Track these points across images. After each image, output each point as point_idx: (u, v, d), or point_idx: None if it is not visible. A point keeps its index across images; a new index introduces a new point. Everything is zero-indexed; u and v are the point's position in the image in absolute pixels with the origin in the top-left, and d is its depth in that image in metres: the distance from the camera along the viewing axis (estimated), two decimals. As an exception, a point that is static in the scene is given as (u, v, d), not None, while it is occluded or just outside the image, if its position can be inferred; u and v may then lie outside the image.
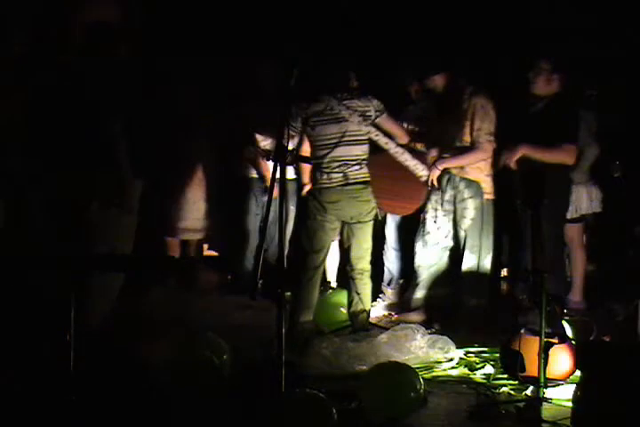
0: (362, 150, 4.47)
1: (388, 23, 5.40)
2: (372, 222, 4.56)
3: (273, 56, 5.20)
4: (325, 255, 4.56)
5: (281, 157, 3.18)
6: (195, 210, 5.42)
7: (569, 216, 4.73)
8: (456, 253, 4.83)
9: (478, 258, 4.75)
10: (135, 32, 4.00)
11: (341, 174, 4.42)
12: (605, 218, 5.04)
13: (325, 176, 4.43)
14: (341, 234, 4.61)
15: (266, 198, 5.22)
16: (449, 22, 5.16)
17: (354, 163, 4.43)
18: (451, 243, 4.82)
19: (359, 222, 4.51)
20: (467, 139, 4.67)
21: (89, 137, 3.73)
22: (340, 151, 4.42)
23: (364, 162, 4.48)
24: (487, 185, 4.75)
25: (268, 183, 5.19)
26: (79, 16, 3.86)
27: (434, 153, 4.75)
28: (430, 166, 4.72)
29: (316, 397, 3.04)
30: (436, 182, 4.72)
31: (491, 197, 4.76)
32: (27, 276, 3.65)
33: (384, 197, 4.63)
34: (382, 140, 4.53)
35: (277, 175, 3.17)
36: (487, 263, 4.78)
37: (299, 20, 5.40)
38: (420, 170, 4.66)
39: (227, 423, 3.23)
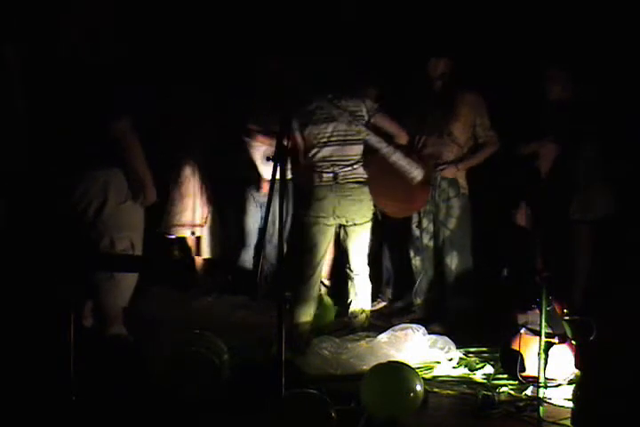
0: (353, 150, 4.43)
1: (392, 23, 5.38)
2: (368, 225, 4.52)
3: (270, 54, 5.20)
4: (324, 254, 4.50)
5: (281, 157, 3.18)
6: (188, 206, 5.44)
7: (575, 217, 4.73)
8: (439, 253, 4.84)
9: (468, 258, 4.77)
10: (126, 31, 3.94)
11: (332, 174, 4.40)
12: (613, 219, 5.02)
13: (317, 176, 4.40)
14: (339, 236, 4.61)
15: (263, 198, 5.28)
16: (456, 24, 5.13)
17: (345, 163, 4.39)
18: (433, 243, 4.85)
19: (354, 225, 4.49)
20: (456, 133, 4.69)
21: (96, 136, 3.66)
22: (331, 151, 4.39)
23: (358, 162, 4.43)
24: (463, 181, 4.80)
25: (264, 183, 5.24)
26: (74, 17, 3.81)
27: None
28: (448, 166, 4.73)
29: (316, 397, 3.04)
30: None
31: (465, 192, 4.81)
32: (28, 275, 3.64)
33: (382, 197, 4.57)
34: (373, 140, 4.46)
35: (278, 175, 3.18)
36: (470, 262, 4.81)
37: (296, 19, 5.39)
38: (413, 170, 4.54)
39: (227, 423, 3.23)
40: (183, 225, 5.48)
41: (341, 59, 4.56)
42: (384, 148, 4.49)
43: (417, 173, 4.54)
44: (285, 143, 3.23)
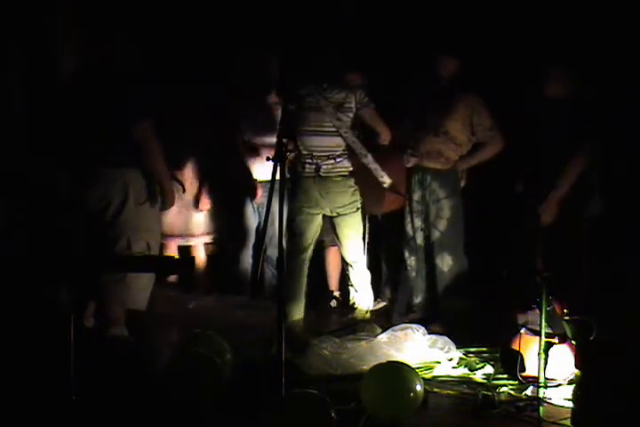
0: (335, 143, 4.42)
1: (391, 22, 5.38)
2: (356, 214, 4.52)
3: (263, 50, 5.20)
4: (311, 243, 4.51)
5: (281, 156, 3.17)
6: (194, 215, 5.42)
7: (573, 216, 4.72)
8: (429, 254, 4.83)
9: (461, 258, 4.76)
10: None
11: (314, 166, 4.40)
12: (610, 218, 5.02)
13: (300, 165, 4.43)
14: (331, 229, 4.60)
15: (260, 199, 5.26)
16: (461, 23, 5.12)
17: (327, 155, 4.39)
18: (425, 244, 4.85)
19: (339, 215, 4.48)
20: (453, 132, 4.68)
21: (117, 135, 3.64)
22: (313, 141, 4.40)
23: (342, 155, 4.44)
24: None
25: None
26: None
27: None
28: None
29: (316, 397, 3.04)
30: None
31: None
32: (29, 276, 3.64)
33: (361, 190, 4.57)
34: (350, 139, 4.46)
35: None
36: (465, 263, 4.78)
37: (290, 14, 5.38)
38: (380, 176, 4.55)
39: (227, 423, 3.23)
40: (191, 235, 5.47)
41: (337, 51, 4.55)
42: (358, 148, 4.50)
43: (385, 179, 4.56)
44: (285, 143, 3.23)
